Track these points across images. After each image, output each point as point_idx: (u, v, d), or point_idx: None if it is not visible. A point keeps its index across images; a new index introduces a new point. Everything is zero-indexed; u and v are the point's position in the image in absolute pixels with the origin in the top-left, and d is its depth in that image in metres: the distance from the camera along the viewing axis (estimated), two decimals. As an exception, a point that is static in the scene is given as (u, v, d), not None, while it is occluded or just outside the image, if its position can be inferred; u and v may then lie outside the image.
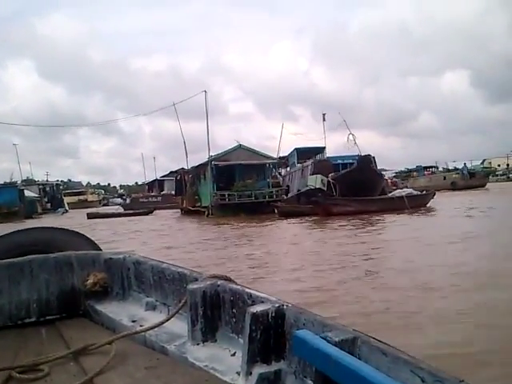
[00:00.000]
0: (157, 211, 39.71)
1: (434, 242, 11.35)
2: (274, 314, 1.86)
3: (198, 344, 2.21)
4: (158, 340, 2.32)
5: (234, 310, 2.16)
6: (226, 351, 2.13)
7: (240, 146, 30.69)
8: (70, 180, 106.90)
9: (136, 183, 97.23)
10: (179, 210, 38.91)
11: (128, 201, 59.38)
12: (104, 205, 78.99)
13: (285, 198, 29.13)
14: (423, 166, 57.47)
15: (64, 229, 4.02)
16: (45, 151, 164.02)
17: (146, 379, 1.95)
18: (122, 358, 2.13)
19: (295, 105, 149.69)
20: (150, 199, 56.95)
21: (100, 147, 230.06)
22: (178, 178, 36.91)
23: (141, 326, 2.52)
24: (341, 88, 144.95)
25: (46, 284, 2.95)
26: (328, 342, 1.52)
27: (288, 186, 34.12)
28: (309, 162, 32.02)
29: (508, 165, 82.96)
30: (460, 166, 51.11)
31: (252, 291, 2.11)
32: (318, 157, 37.55)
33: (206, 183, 31.94)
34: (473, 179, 46.97)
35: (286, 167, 41.70)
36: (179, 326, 2.38)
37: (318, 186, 23.02)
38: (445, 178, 49.84)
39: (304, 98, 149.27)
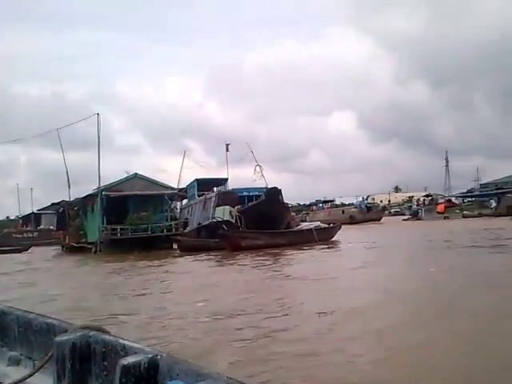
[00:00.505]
0: (33, 248, 34.76)
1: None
2: (146, 365, 1.82)
3: None
4: None
5: (105, 363, 2.07)
6: None
7: (136, 176, 27.66)
8: None
9: (7, 217, 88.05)
10: (60, 247, 34.46)
11: (-1, 237, 52.22)
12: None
13: (184, 231, 26.47)
14: (322, 200, 58.29)
15: None
16: None
17: None
18: None
19: (188, 138, 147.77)
20: (26, 235, 50.71)
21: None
22: (61, 210, 32.60)
23: (1, 383, 2.40)
24: (234, 123, 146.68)
25: None
26: None
27: (187, 219, 31.53)
28: (212, 194, 29.86)
29: (389, 201, 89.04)
30: (354, 201, 52.50)
31: (126, 342, 2.05)
32: (221, 188, 35.55)
33: (94, 216, 28.30)
34: (370, 213, 48.29)
35: (183, 199, 39.16)
36: (45, 381, 2.23)
37: (226, 218, 20.85)
38: (343, 212, 50.66)
39: (197, 132, 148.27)
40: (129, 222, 25.65)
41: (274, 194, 23.99)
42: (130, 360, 1.82)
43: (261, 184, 28.67)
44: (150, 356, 1.85)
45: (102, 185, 27.99)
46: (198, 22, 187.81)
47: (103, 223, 26.14)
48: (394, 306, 7.43)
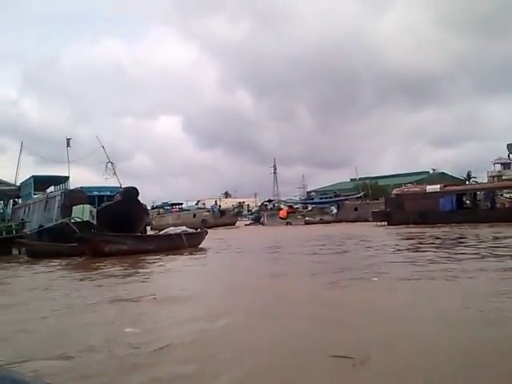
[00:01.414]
0: None
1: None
2: None
3: None
4: None
5: None
6: None
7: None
8: None
9: None
10: None
11: None
12: None
13: (28, 233, 22.60)
14: (170, 203, 56.14)
15: None
16: None
17: None
18: None
19: (3, 136, 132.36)
20: None
21: None
22: None
23: None
24: (54, 122, 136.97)
25: None
26: None
27: (23, 221, 27.36)
28: (56, 192, 26.30)
29: (220, 206, 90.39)
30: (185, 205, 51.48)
31: None
32: (61, 187, 31.67)
33: None
34: (223, 217, 47.59)
35: (17, 198, 34.19)
36: None
37: (86, 219, 18.05)
38: (194, 216, 49.15)
39: (12, 130, 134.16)
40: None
41: (132, 194, 21.75)
42: None
43: (113, 183, 25.82)
44: None
45: None
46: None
47: None
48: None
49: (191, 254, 18.52)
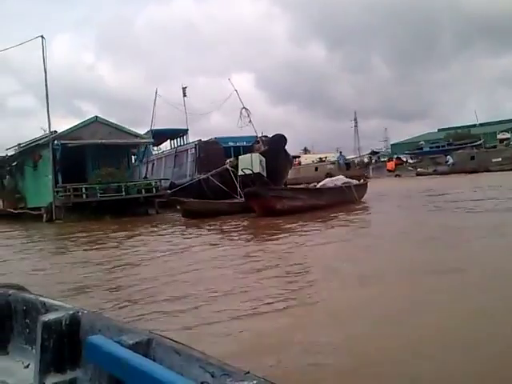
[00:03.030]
0: None
1: None
2: (67, 322, 1.82)
3: None
4: None
5: (27, 320, 2.09)
6: (18, 363, 2.06)
7: (96, 119, 21.35)
8: None
9: None
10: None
11: None
12: None
13: (168, 192, 20.89)
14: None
15: None
16: None
17: None
18: None
19: (81, 100, 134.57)
20: None
21: None
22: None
23: None
24: (129, 84, 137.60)
25: None
26: (122, 345, 1.50)
27: (146, 178, 25.91)
28: (188, 145, 24.44)
29: (300, 162, 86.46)
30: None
31: (46, 299, 2.07)
32: (178, 141, 29.91)
33: (39, 174, 21.89)
34: (350, 170, 43.86)
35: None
36: None
37: (256, 171, 15.77)
38: (316, 169, 45.61)
39: (90, 94, 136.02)
40: (95, 179, 19.71)
41: (280, 142, 19.36)
42: (50, 317, 1.82)
43: (248, 132, 23.33)
44: (71, 312, 1.86)
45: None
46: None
47: (59, 181, 19.94)
48: None
49: (365, 208, 15.97)
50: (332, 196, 16.46)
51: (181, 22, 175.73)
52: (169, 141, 32.11)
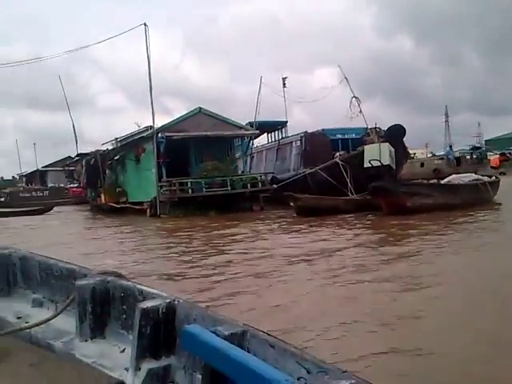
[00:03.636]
0: (56, 209, 27.98)
1: None
2: (164, 310, 1.86)
3: (86, 341, 2.16)
4: (45, 337, 2.26)
5: (124, 306, 2.14)
6: (115, 347, 2.10)
7: (200, 111, 20.57)
8: None
9: (1, 178, 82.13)
10: (90, 207, 27.92)
11: (3, 196, 44.92)
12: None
13: (275, 187, 19.62)
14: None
15: None
16: None
17: (30, 376, 1.88)
18: (5, 356, 2.03)
19: (168, 98, 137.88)
20: (34, 193, 43.73)
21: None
22: (92, 162, 25.54)
23: (26, 322, 2.43)
24: (213, 82, 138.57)
25: None
26: (217, 335, 1.51)
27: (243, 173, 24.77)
28: (293, 137, 23.02)
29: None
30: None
31: (143, 287, 2.10)
32: (277, 134, 28.49)
33: (142, 168, 21.55)
34: (461, 165, 39.90)
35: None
36: (67, 322, 2.30)
37: (386, 162, 13.99)
38: (422, 165, 42.14)
39: (177, 91, 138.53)
40: (200, 173, 18.87)
41: (399, 134, 17.34)
42: (148, 304, 1.86)
43: (358, 124, 21.41)
44: (167, 301, 1.89)
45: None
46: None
47: (162, 175, 19.37)
48: None
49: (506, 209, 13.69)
50: (467, 194, 14.27)
51: (260, 17, 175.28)
52: (266, 134, 30.91)
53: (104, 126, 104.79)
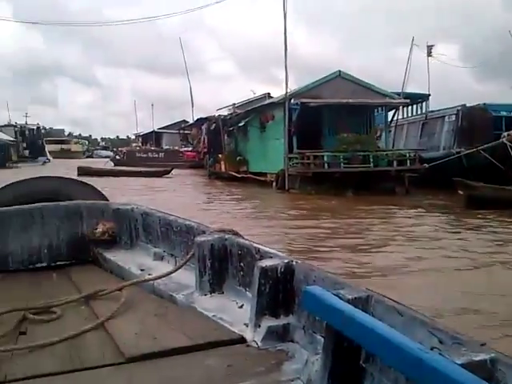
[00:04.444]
0: (173, 172, 27.29)
1: None
2: (282, 270, 1.83)
3: (205, 295, 2.19)
4: (167, 289, 2.31)
5: (241, 264, 2.14)
6: (233, 303, 2.12)
7: (339, 75, 18.09)
8: (51, 128, 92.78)
9: (117, 137, 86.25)
10: (208, 174, 26.80)
11: (120, 155, 45.98)
12: (88, 156, 70.31)
13: (426, 166, 16.73)
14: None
15: (71, 178, 4.30)
16: (21, 98, 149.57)
17: (156, 325, 1.93)
18: (131, 305, 2.11)
19: (277, 68, 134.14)
20: (150, 155, 44.11)
21: (79, 98, 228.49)
22: (213, 128, 24.21)
23: (149, 274, 2.49)
24: (323, 53, 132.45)
25: (57, 231, 2.97)
26: (340, 298, 1.45)
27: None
28: (447, 111, 19.74)
29: None
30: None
31: (260, 246, 2.09)
32: (420, 107, 24.97)
33: (266, 137, 19.69)
34: None
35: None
36: (187, 276, 2.33)
37: None
38: None
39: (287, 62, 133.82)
40: (339, 146, 16.44)
41: None
42: (267, 263, 1.84)
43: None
44: (285, 261, 1.86)
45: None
46: None
47: (293, 147, 17.30)
48: None
49: None
50: None
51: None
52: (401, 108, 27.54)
53: (214, 92, 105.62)
